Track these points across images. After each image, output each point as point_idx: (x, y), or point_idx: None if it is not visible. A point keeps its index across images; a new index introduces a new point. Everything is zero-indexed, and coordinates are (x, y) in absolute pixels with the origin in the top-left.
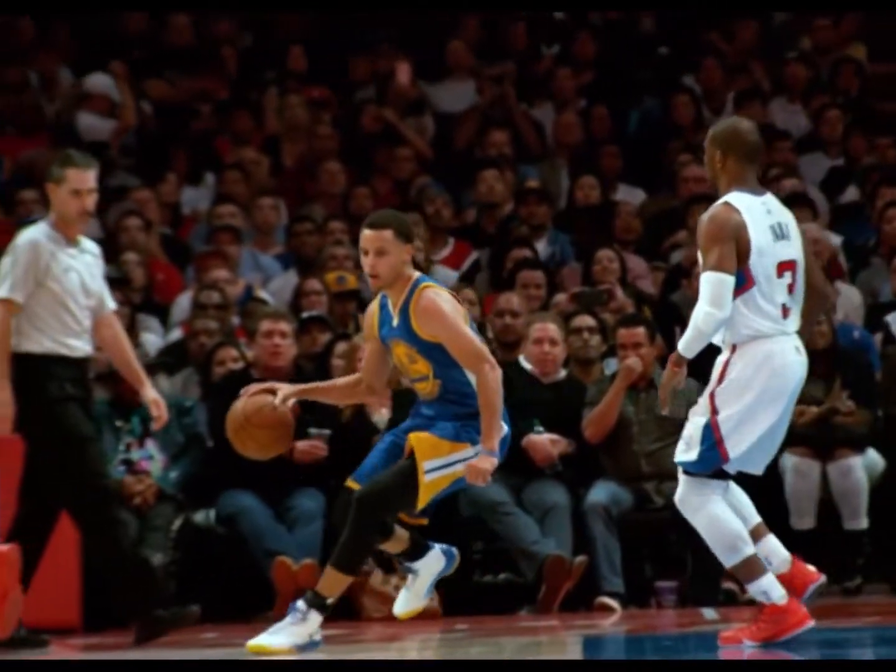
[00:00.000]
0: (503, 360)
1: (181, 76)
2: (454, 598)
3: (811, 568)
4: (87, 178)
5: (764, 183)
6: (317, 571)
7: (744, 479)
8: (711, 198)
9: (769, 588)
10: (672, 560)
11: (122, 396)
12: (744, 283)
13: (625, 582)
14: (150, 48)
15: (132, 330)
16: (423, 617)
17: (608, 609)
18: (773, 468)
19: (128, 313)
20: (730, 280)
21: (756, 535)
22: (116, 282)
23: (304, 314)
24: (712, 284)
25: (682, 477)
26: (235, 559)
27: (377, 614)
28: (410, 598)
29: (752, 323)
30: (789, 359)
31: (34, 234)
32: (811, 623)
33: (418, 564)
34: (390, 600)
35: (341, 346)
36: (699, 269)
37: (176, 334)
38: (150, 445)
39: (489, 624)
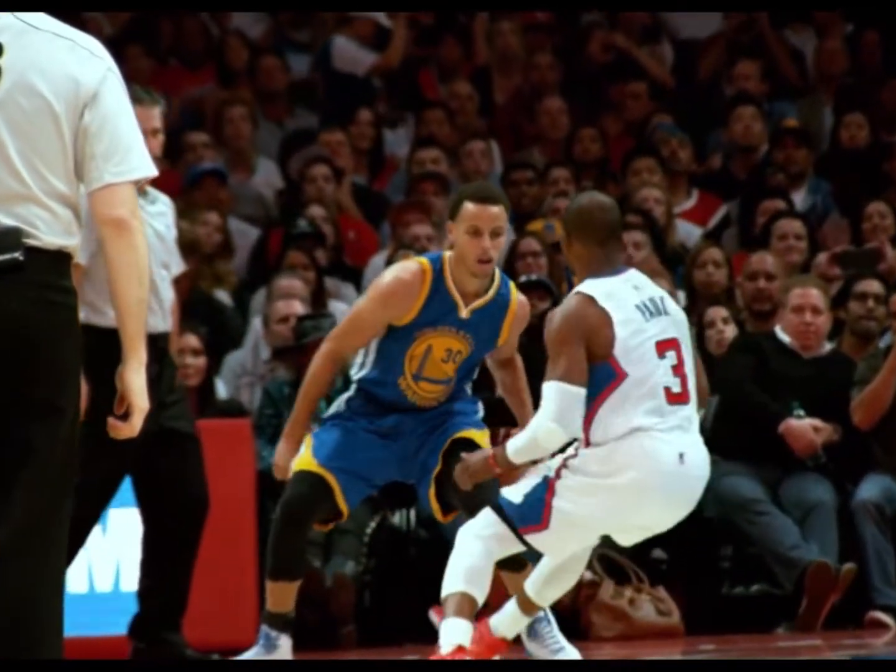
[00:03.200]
0: (755, 331)
1: None
2: (699, 612)
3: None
4: (149, 116)
5: None
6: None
7: None
8: None
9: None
10: None
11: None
12: (613, 377)
13: None
14: None
15: (319, 298)
16: (662, 635)
17: (881, 625)
18: None
19: (313, 278)
20: (579, 393)
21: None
22: (303, 238)
23: (522, 278)
24: (559, 397)
25: None
26: (439, 566)
27: (608, 633)
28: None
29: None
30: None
31: None
32: None
33: None
34: (624, 617)
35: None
36: None
37: None
38: None
39: (740, 643)
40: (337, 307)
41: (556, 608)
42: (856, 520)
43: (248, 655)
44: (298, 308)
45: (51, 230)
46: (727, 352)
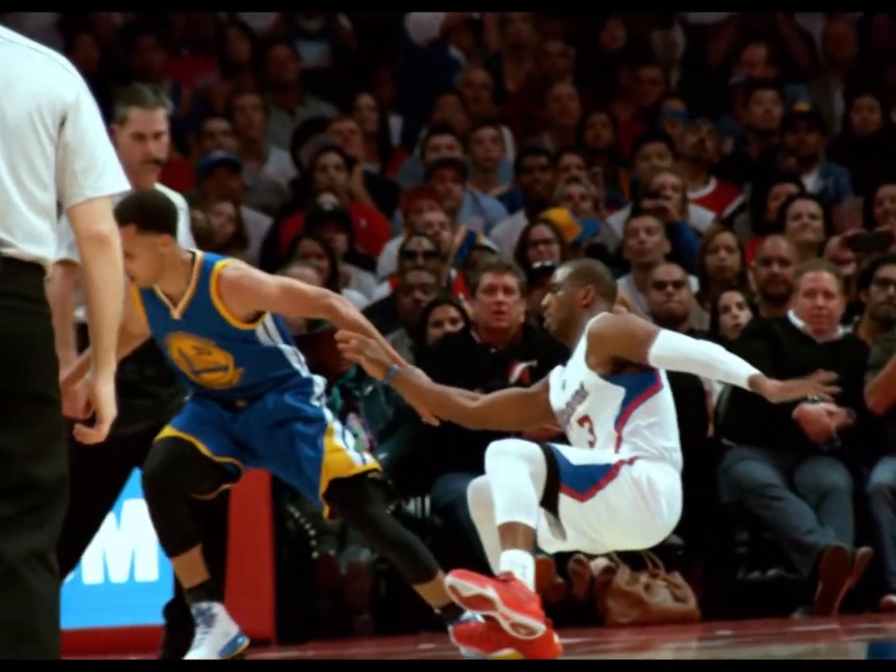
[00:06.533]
0: (769, 316)
1: None
2: (715, 598)
3: (558, 641)
4: (152, 119)
5: None
6: (551, 567)
7: None
8: None
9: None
10: None
11: (321, 363)
12: (652, 383)
13: None
14: None
15: (334, 286)
16: (678, 621)
17: None
18: None
19: (326, 266)
20: None
21: None
22: (329, 218)
23: (536, 264)
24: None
25: None
26: (455, 554)
27: (624, 619)
28: None
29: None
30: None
31: None
32: None
33: None
34: (640, 603)
35: None
36: None
37: (383, 290)
38: (354, 422)
39: (756, 628)
40: (351, 295)
41: (572, 594)
42: (871, 504)
43: (197, 640)
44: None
45: (30, 241)
46: (740, 336)
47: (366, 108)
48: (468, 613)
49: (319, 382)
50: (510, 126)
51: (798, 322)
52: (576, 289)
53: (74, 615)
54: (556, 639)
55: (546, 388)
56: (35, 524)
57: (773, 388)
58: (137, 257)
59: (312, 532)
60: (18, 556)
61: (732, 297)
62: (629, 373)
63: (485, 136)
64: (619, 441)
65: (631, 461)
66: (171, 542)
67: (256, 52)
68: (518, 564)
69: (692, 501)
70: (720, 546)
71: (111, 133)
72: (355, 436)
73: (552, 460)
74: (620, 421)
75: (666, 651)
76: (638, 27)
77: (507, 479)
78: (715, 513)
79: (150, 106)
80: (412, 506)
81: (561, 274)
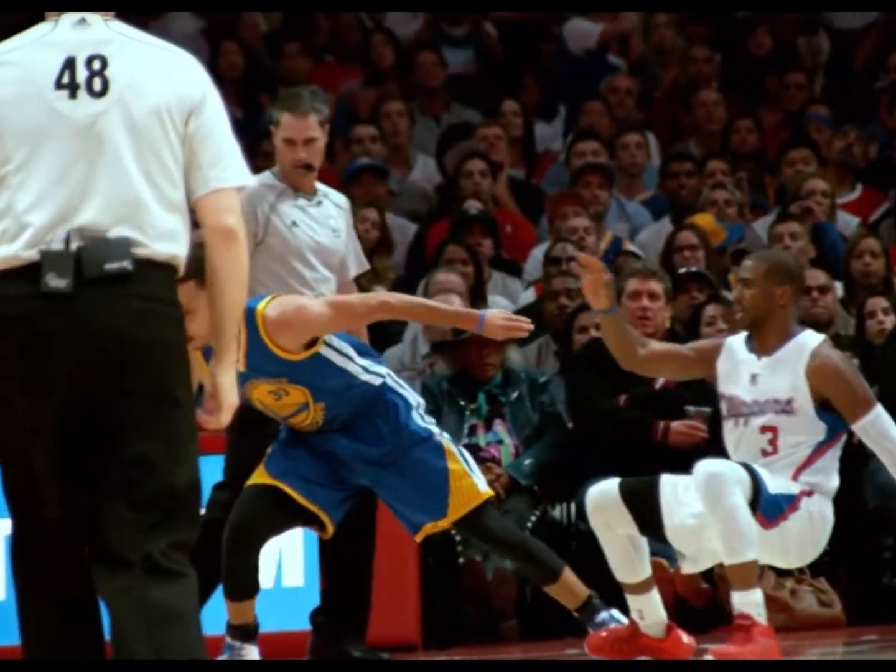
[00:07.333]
0: None
1: None
2: (860, 603)
3: (687, 639)
4: (301, 126)
5: None
6: (697, 578)
7: None
8: None
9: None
10: None
11: (467, 370)
12: (842, 428)
13: None
14: None
15: (479, 293)
16: (823, 626)
17: None
18: None
19: (472, 272)
20: None
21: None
22: (475, 222)
23: (681, 270)
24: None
25: None
26: (601, 560)
27: (770, 624)
28: None
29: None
30: None
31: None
32: None
33: None
34: (785, 608)
35: (711, 309)
36: None
37: (529, 296)
38: (500, 428)
39: None
40: (497, 301)
41: (718, 599)
42: None
43: None
44: (457, 303)
45: (162, 239)
46: (886, 341)
47: (511, 114)
48: (603, 614)
49: (409, 391)
50: (656, 132)
51: None
52: (773, 287)
53: (223, 620)
54: (685, 638)
55: (715, 352)
56: (176, 525)
57: None
58: (197, 313)
59: (458, 538)
60: (164, 554)
61: (878, 303)
62: (834, 413)
63: (630, 141)
64: (799, 471)
65: (809, 493)
66: (236, 589)
67: (401, 59)
68: (754, 604)
69: (838, 507)
70: (866, 551)
71: (270, 134)
72: (501, 442)
73: (756, 487)
74: (814, 455)
75: (811, 656)
76: (784, 33)
77: (732, 513)
78: (860, 518)
79: (300, 113)
80: (558, 511)
81: (755, 269)
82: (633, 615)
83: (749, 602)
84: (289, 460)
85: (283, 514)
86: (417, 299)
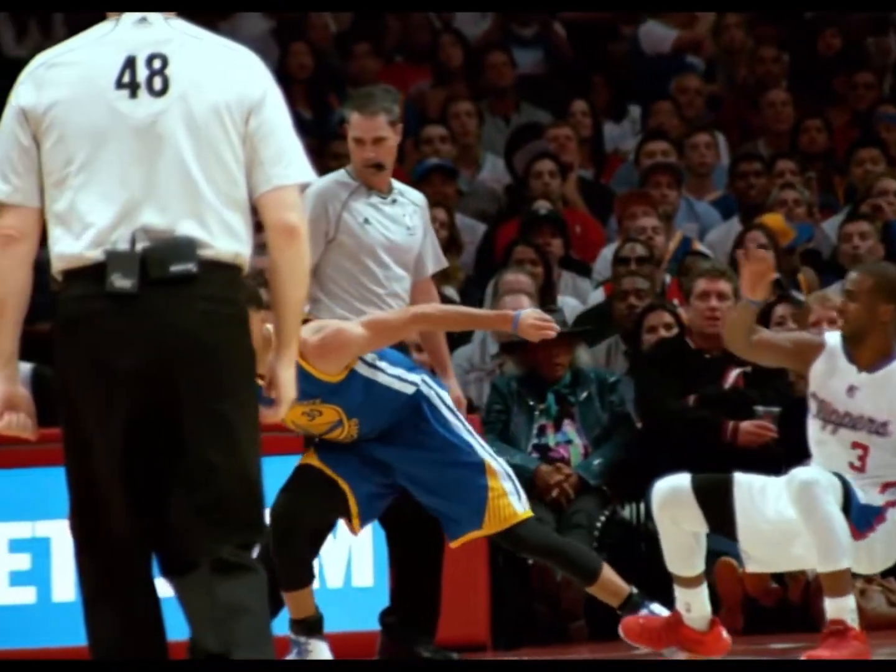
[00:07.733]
0: None
1: None
2: None
3: (726, 636)
4: (369, 125)
5: None
6: (766, 578)
7: None
8: None
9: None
10: None
11: (536, 370)
12: None
13: None
14: None
15: (548, 293)
16: (893, 626)
17: None
18: None
19: (541, 273)
20: None
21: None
22: (544, 222)
23: None
24: None
25: None
26: None
27: None
28: None
29: None
30: None
31: (324, 180)
32: None
33: None
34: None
35: (781, 309)
36: None
37: (598, 295)
38: (569, 428)
39: None
40: (567, 301)
41: (787, 600)
42: None
43: None
44: (526, 303)
45: (226, 236)
46: None
47: (580, 114)
48: (644, 611)
49: (446, 395)
50: (725, 132)
51: None
52: (879, 304)
53: (285, 620)
54: (725, 634)
55: (814, 353)
56: (240, 526)
57: None
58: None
59: None
60: (231, 553)
61: None
62: None
63: (699, 141)
64: (886, 487)
65: (894, 504)
66: (290, 579)
67: (470, 59)
68: (848, 610)
69: None
70: None
71: (339, 135)
72: (570, 442)
73: (847, 496)
74: None
75: (881, 655)
76: (853, 33)
77: (828, 521)
78: None
79: (368, 113)
80: (627, 511)
81: (860, 282)
82: (679, 606)
83: (843, 608)
84: (334, 451)
85: (326, 500)
86: (451, 307)
